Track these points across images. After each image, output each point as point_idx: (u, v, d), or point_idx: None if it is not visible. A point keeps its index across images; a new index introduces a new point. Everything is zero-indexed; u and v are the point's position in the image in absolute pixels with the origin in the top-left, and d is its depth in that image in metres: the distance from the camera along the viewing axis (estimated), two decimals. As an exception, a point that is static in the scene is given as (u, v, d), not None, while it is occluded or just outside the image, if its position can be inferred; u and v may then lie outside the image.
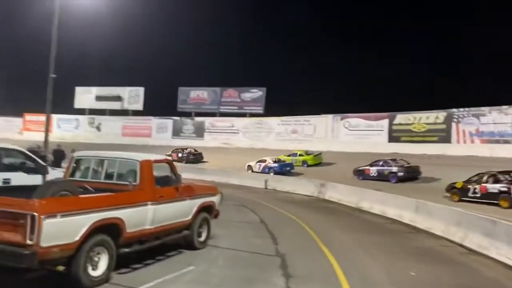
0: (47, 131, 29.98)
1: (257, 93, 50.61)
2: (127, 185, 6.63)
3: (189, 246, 8.00)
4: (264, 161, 29.70)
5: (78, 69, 57.58)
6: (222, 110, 51.95)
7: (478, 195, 16.23)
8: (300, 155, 32.61)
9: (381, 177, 23.93)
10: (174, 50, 56.46)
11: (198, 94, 53.40)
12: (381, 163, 24.83)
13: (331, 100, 45.47)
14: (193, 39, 58.16)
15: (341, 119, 42.86)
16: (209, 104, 52.81)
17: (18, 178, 7.91)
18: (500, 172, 16.51)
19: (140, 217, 6.49)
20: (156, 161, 7.23)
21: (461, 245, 9.55)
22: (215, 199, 8.69)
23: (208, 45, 59.60)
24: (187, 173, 28.45)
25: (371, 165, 25.06)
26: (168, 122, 53.66)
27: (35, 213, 4.75)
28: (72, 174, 7.30)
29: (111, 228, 5.93)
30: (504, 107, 32.74)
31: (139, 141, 51.29)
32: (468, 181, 16.96)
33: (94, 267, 5.70)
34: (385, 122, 39.70)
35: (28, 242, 4.75)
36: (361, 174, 25.11)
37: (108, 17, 46.73)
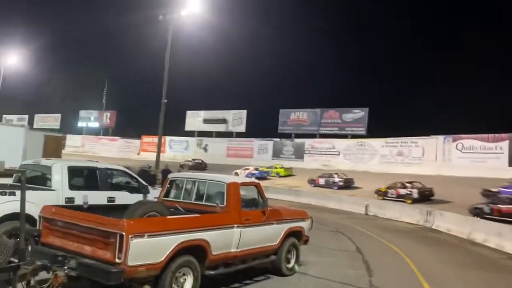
0: (158, 152, 32.47)
1: (359, 113, 49.26)
2: (214, 206, 6.72)
3: (276, 272, 7.80)
4: (248, 168, 42.71)
5: (189, 95, 62.01)
6: (322, 131, 51.44)
7: (394, 196, 26.60)
8: (275, 167, 44.48)
9: (327, 185, 34.50)
10: (275, 73, 57.95)
11: (298, 116, 53.69)
12: (327, 175, 36.27)
13: (442, 120, 42.40)
14: (293, 62, 59.17)
15: (453, 140, 39.58)
16: (309, 125, 52.69)
17: (122, 197, 8.49)
18: (406, 182, 27.29)
19: (225, 240, 6.49)
20: (243, 184, 7.24)
21: None
22: (304, 224, 8.41)
23: (309, 66, 59.99)
24: (282, 195, 28.51)
25: (320, 177, 36.16)
26: (268, 144, 54.66)
27: (123, 233, 4.97)
28: (167, 194, 7.62)
29: (197, 250, 5.99)
30: None
31: (242, 162, 52.95)
32: (388, 187, 27.63)
33: (179, 289, 5.79)
34: (504, 144, 35.72)
35: (117, 260, 4.97)
36: (313, 182, 36.08)
37: (214, 45, 49.75)
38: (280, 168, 44.73)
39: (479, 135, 37.58)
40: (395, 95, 51.51)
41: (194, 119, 62.80)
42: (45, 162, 8.45)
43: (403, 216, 19.50)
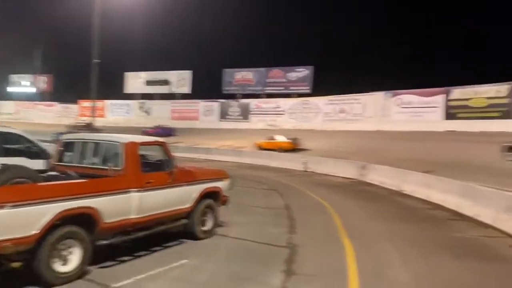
0: (93, 116, 30.68)
1: (303, 72, 49.07)
2: (108, 170, 5.99)
3: (191, 236, 7.30)
4: None
5: (129, 56, 58.95)
6: (268, 91, 50.96)
7: None
8: None
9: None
10: (220, 31, 56.06)
11: (243, 75, 52.71)
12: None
13: (382, 77, 43.06)
14: (237, 20, 57.42)
15: (393, 96, 40.48)
16: (254, 85, 52.00)
17: (18, 163, 7.53)
18: None
19: (121, 206, 5.82)
20: (144, 143, 6.53)
21: (512, 236, 8.16)
22: (221, 184, 7.88)
23: (253, 24, 58.50)
24: (226, 156, 28.07)
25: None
26: (214, 105, 53.59)
27: (-26, 204, 4.17)
28: (60, 159, 6.77)
29: (83, 219, 5.30)
30: None
31: (187, 124, 51.83)
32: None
33: (64, 262, 5.11)
34: (440, 98, 36.96)
35: (-31, 236, 4.19)
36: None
37: (151, 3, 46.96)
38: None
39: (417, 90, 38.60)
40: (339, 52, 51.48)
41: (135, 81, 60.03)
42: None
43: (340, 171, 19.68)
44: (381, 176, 16.51)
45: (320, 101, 46.10)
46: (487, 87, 33.97)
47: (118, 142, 6.18)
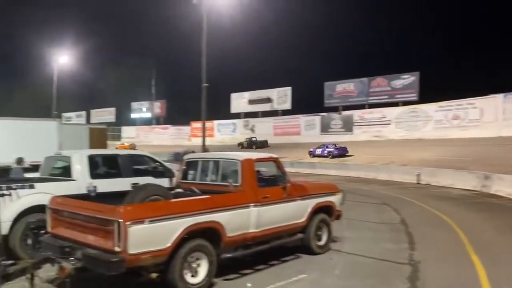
0: (204, 136, 32.70)
1: (409, 78, 46.71)
2: (228, 186, 6.33)
3: (306, 250, 7.35)
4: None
5: (233, 77, 61.98)
6: (371, 101, 49.40)
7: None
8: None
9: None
10: (316, 46, 56.20)
11: (345, 87, 51.88)
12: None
13: (499, 77, 39.25)
14: (333, 31, 57.05)
15: (514, 98, 36.50)
16: (357, 96, 50.82)
17: (146, 182, 8.31)
18: None
19: (241, 220, 6.10)
20: (259, 160, 6.77)
21: None
22: (334, 198, 7.83)
23: (350, 34, 57.56)
24: (330, 170, 27.73)
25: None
26: (315, 119, 53.49)
27: (120, 220, 4.70)
28: (184, 177, 7.34)
29: (209, 233, 5.66)
30: None
31: (289, 139, 52.44)
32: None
33: (194, 274, 5.50)
34: None
35: (116, 249, 4.73)
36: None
37: (251, 25, 48.95)
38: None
39: (545, 90, 34.42)
40: (446, 56, 48.15)
41: (239, 101, 62.71)
42: (65, 153, 8.46)
43: (458, 183, 18.19)
44: (509, 187, 14.90)
45: (430, 108, 43.35)
46: None
47: (236, 160, 6.53)
